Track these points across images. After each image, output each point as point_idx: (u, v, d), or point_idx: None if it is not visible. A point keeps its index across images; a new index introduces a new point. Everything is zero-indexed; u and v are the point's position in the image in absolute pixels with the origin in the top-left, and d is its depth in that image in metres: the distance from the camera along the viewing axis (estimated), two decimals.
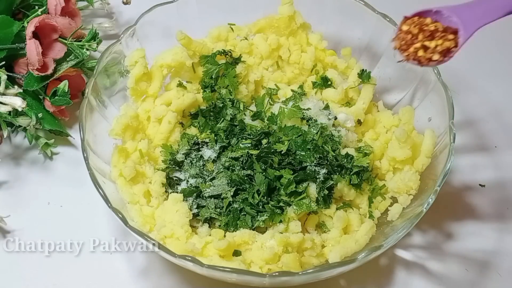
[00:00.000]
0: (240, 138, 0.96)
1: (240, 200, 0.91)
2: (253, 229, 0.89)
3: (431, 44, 0.78)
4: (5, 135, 1.03)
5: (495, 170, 1.08)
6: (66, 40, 1.05)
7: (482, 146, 1.11)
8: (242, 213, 0.90)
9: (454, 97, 0.94)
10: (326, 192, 0.90)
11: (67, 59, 1.05)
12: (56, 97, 1.03)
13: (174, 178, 0.96)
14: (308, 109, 0.98)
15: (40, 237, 0.96)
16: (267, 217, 0.89)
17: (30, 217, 1.00)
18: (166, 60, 1.01)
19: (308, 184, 0.90)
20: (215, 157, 0.96)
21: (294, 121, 0.97)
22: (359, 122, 1.01)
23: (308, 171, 0.91)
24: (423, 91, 1.00)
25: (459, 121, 1.07)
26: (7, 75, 1.01)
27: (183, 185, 0.95)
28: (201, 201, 0.92)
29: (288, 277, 0.80)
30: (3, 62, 1.03)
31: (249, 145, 0.95)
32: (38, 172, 1.06)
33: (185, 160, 0.97)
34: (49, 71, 1.02)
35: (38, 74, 1.01)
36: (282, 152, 0.93)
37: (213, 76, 1.03)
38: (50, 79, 1.03)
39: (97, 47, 1.07)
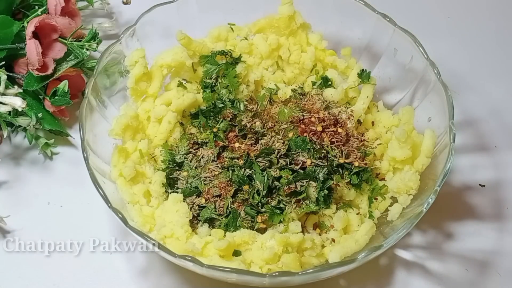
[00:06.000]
0: (239, 138, 0.97)
1: (240, 200, 0.91)
2: (253, 229, 0.89)
3: None
4: (5, 135, 1.03)
5: (495, 170, 1.08)
6: (66, 40, 1.05)
7: (482, 146, 1.11)
8: (245, 216, 0.90)
9: (454, 97, 0.94)
10: (326, 192, 0.90)
11: (67, 59, 1.05)
12: (56, 97, 1.03)
13: (174, 178, 0.96)
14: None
15: (40, 237, 0.96)
16: (266, 217, 0.89)
17: (30, 217, 1.00)
18: (166, 60, 1.01)
19: (308, 184, 0.90)
20: (214, 157, 0.96)
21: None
22: (359, 122, 1.01)
23: (308, 171, 0.91)
24: (423, 91, 1.00)
25: (459, 121, 1.07)
26: (7, 75, 1.02)
27: (183, 185, 0.95)
28: (201, 201, 0.92)
29: (288, 277, 0.80)
30: (3, 62, 1.03)
31: (249, 145, 0.95)
32: (38, 172, 1.06)
33: (185, 160, 0.97)
34: (49, 71, 1.02)
35: (38, 74, 1.01)
36: (282, 152, 0.93)
37: (213, 76, 1.03)
38: (50, 79, 1.04)
39: (97, 47, 1.07)
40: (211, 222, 0.91)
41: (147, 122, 1.01)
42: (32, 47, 1.00)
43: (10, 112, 1.00)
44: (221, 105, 1.01)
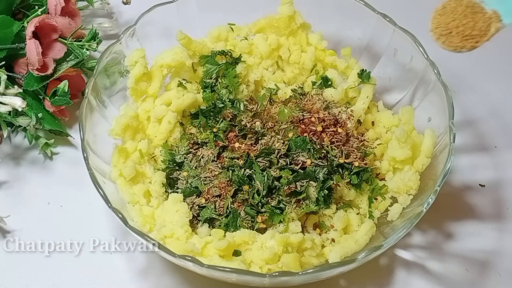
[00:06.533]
0: (239, 138, 0.97)
1: (240, 200, 0.91)
2: (253, 229, 0.89)
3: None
4: (5, 135, 1.03)
5: (495, 170, 1.08)
6: (66, 40, 1.05)
7: (482, 146, 1.11)
8: (245, 216, 0.90)
9: (454, 97, 0.94)
10: (326, 192, 0.90)
11: (67, 59, 1.05)
12: (56, 97, 1.03)
13: (174, 178, 0.96)
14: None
15: (40, 237, 0.96)
16: (266, 217, 0.89)
17: (30, 217, 1.00)
18: (166, 60, 1.01)
19: (308, 184, 0.90)
20: (214, 157, 0.96)
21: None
22: (359, 122, 1.01)
23: (308, 171, 0.91)
24: (423, 91, 1.00)
25: (459, 121, 1.07)
26: (7, 75, 1.02)
27: (183, 185, 0.95)
28: (201, 201, 0.92)
29: (288, 277, 0.80)
30: (3, 62, 1.03)
31: (249, 145, 0.95)
32: (38, 172, 1.06)
33: (185, 160, 0.97)
34: (49, 71, 1.02)
35: (38, 74, 1.01)
36: (282, 152, 0.93)
37: (213, 76, 1.03)
38: (50, 79, 1.04)
39: (97, 47, 1.07)
40: (211, 222, 0.91)
41: (147, 122, 1.01)
42: (32, 47, 1.00)
43: (10, 112, 1.00)
44: (221, 105, 1.01)
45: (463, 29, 0.78)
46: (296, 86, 1.06)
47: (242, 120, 0.99)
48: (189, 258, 0.79)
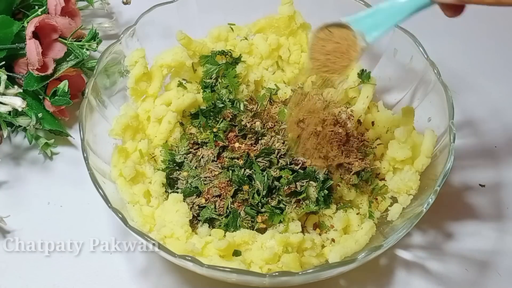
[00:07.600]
0: (239, 138, 0.97)
1: (240, 200, 0.91)
2: (253, 229, 0.89)
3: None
4: (5, 135, 1.03)
5: (495, 170, 1.08)
6: (66, 40, 1.05)
7: (482, 146, 1.11)
8: (245, 216, 0.90)
9: (454, 97, 0.94)
10: (326, 192, 0.90)
11: (67, 59, 1.05)
12: (56, 97, 1.03)
13: (174, 178, 0.96)
14: None
15: (40, 237, 0.96)
16: (266, 217, 0.89)
17: (30, 217, 1.00)
18: (166, 60, 1.01)
19: (308, 184, 0.90)
20: (214, 157, 0.96)
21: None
22: (359, 122, 1.01)
23: (308, 171, 0.91)
24: (423, 91, 1.00)
25: (459, 121, 1.07)
26: (7, 75, 1.02)
27: (183, 185, 0.95)
28: (201, 201, 0.92)
29: (288, 277, 0.80)
30: (3, 62, 1.03)
31: (249, 145, 0.95)
32: (38, 172, 1.06)
33: (185, 160, 0.97)
34: (49, 71, 1.02)
35: (38, 74, 1.01)
36: (282, 152, 0.93)
37: (213, 76, 1.03)
38: (50, 79, 1.04)
39: (97, 47, 1.07)
40: (211, 222, 0.91)
41: (147, 122, 1.01)
42: (32, 47, 1.00)
43: (10, 112, 1.00)
44: (221, 105, 1.01)
45: (337, 67, 0.82)
46: (296, 86, 1.06)
47: (242, 120, 0.99)
48: (189, 258, 0.79)
